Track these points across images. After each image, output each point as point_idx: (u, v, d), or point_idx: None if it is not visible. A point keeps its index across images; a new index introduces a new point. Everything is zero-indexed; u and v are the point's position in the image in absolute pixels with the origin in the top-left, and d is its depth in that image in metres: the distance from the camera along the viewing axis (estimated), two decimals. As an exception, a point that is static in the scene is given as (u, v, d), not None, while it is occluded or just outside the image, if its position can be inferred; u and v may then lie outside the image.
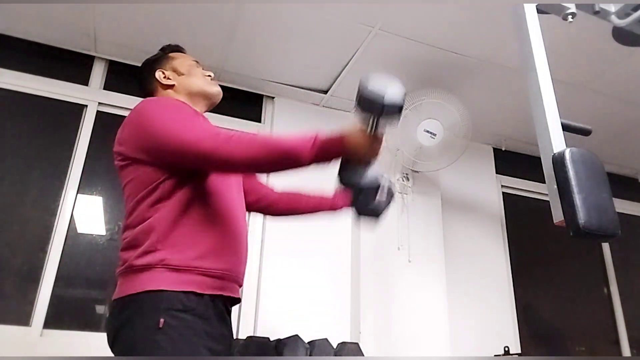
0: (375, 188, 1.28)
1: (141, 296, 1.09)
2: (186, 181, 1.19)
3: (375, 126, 1.12)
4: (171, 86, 1.42)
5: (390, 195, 1.34)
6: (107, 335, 1.15)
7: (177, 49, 1.52)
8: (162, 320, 1.05)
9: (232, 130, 1.15)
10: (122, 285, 1.16)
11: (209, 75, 1.48)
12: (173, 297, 1.08)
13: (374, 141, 1.15)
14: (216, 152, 1.09)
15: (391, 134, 2.65)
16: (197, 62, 1.50)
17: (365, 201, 1.31)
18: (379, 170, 1.27)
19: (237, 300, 1.26)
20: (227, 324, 1.22)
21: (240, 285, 1.27)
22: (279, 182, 1.56)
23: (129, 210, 1.22)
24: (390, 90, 1.09)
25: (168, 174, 1.18)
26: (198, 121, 1.20)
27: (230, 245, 1.23)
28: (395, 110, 1.10)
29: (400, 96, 1.10)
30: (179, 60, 1.47)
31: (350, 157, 1.18)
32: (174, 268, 1.12)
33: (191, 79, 1.43)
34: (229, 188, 1.31)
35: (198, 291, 1.12)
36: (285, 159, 1.10)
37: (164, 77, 1.42)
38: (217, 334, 1.14)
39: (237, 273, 1.24)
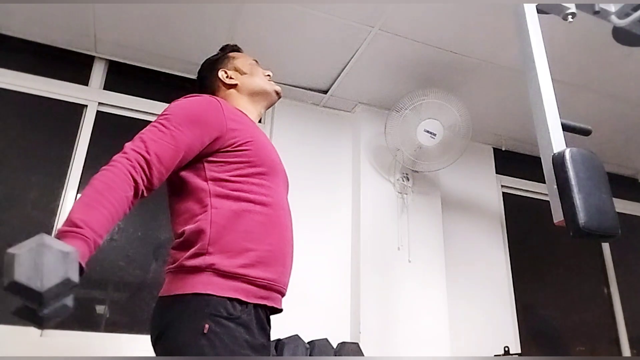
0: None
1: (188, 298, 1.10)
2: (237, 185, 1.20)
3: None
4: (234, 85, 1.44)
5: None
6: (152, 331, 1.16)
7: (236, 48, 1.55)
8: (207, 325, 1.06)
9: (142, 157, 1.11)
10: (171, 284, 1.16)
11: (269, 74, 1.50)
12: (218, 303, 1.09)
13: None
14: (105, 167, 1.08)
15: (391, 134, 2.65)
16: (256, 61, 1.52)
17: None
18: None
19: (279, 311, 1.26)
20: (268, 334, 1.22)
21: (283, 296, 1.27)
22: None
23: (178, 205, 1.23)
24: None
25: (215, 176, 1.20)
26: (173, 137, 1.16)
27: (279, 255, 1.23)
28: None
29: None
30: (241, 60, 1.49)
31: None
32: (222, 273, 1.12)
33: (253, 79, 1.46)
34: (281, 197, 1.31)
35: (243, 299, 1.12)
36: None
37: (227, 77, 1.45)
38: (257, 344, 1.13)
39: (282, 284, 1.24)
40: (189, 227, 1.17)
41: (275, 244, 1.22)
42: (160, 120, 1.19)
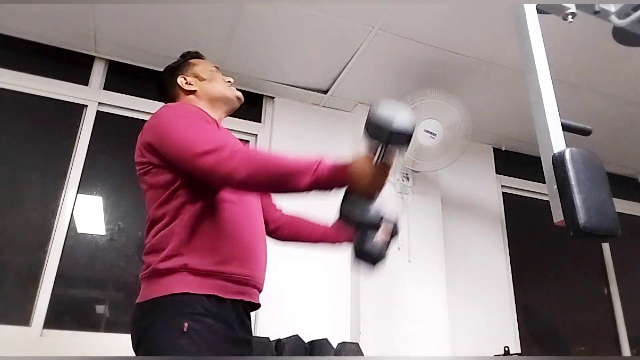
0: (376, 226, 1.17)
1: (165, 299, 1.11)
2: (206, 187, 1.20)
3: (383, 155, 1.05)
4: (193, 92, 1.44)
5: (394, 234, 1.26)
6: (132, 338, 1.16)
7: (198, 55, 1.55)
8: (186, 324, 1.07)
9: (238, 144, 1.14)
10: (147, 289, 1.17)
11: (229, 81, 1.50)
12: (196, 301, 1.10)
13: (381, 172, 1.07)
14: (218, 167, 1.08)
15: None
16: (217, 67, 1.52)
17: (362, 240, 1.17)
18: (384, 207, 1.16)
19: (257, 306, 1.27)
20: (248, 327, 1.23)
21: (260, 291, 1.29)
22: (287, 204, 1.55)
23: (150, 215, 1.24)
24: (399, 116, 1.01)
25: (186, 180, 1.20)
26: (210, 131, 1.20)
27: (250, 251, 1.24)
28: (404, 138, 1.02)
29: (409, 123, 1.02)
30: (200, 67, 1.49)
31: (354, 187, 1.10)
32: (196, 272, 1.13)
33: (212, 85, 1.46)
34: (247, 194, 1.32)
35: (220, 295, 1.14)
36: (285, 181, 1.06)
37: (186, 83, 1.45)
38: (239, 338, 1.15)
39: (257, 279, 1.25)
40: (160, 231, 1.19)
41: (246, 240, 1.24)
42: (186, 121, 1.20)
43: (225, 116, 1.48)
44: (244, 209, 1.27)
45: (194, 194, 1.20)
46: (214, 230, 1.19)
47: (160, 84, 1.51)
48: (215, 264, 1.15)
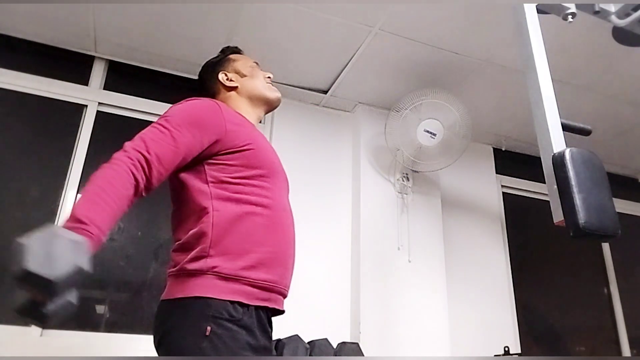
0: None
1: (190, 301, 1.10)
2: (238, 187, 1.20)
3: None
4: (234, 88, 1.45)
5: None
6: (154, 336, 1.16)
7: (237, 50, 1.56)
8: (209, 328, 1.06)
9: (143, 155, 1.11)
10: (173, 287, 1.16)
11: (269, 77, 1.51)
12: (220, 306, 1.09)
13: None
14: (110, 160, 1.09)
15: (391, 134, 2.65)
16: (256, 63, 1.52)
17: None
18: None
19: (280, 312, 1.26)
20: (269, 336, 1.22)
21: (285, 297, 1.27)
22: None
23: (181, 210, 1.24)
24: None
25: (218, 179, 1.20)
26: (167, 138, 1.15)
27: (280, 257, 1.23)
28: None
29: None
30: (241, 62, 1.49)
31: None
32: (223, 276, 1.12)
33: (254, 82, 1.46)
34: (282, 199, 1.31)
35: (245, 301, 1.13)
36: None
37: (227, 80, 1.45)
38: (259, 346, 1.14)
39: (283, 285, 1.24)
40: (190, 230, 1.18)
41: (277, 245, 1.22)
42: (160, 122, 1.19)
43: (265, 114, 1.50)
44: (276, 214, 1.25)
45: (225, 195, 1.19)
46: (245, 234, 1.17)
47: (200, 79, 1.51)
48: (243, 269, 1.14)
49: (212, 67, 1.49)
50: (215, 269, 1.12)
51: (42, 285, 0.81)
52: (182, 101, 1.29)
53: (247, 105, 1.43)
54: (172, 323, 1.11)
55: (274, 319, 1.27)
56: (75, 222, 0.94)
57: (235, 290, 1.12)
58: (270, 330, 1.23)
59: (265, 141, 1.36)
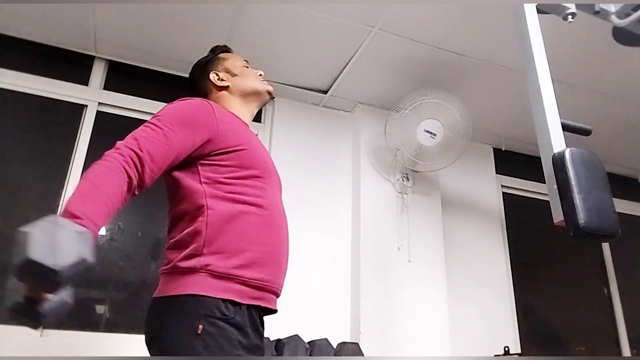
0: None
1: (182, 298, 1.10)
2: (233, 187, 1.21)
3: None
4: (226, 87, 1.45)
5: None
6: (145, 333, 1.16)
7: (227, 49, 1.55)
8: (200, 326, 1.06)
9: (135, 154, 1.11)
10: (165, 285, 1.17)
11: (261, 74, 1.50)
12: (212, 304, 1.09)
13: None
14: (102, 157, 1.10)
15: (391, 134, 2.65)
16: (246, 61, 1.52)
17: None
18: None
19: (273, 312, 1.26)
20: (261, 335, 1.22)
21: (278, 296, 1.27)
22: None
23: (174, 211, 1.24)
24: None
25: (213, 178, 1.20)
26: (159, 137, 1.16)
27: (274, 256, 1.23)
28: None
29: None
30: (231, 61, 1.49)
31: None
32: (216, 274, 1.13)
33: (245, 80, 1.46)
34: (276, 198, 1.32)
35: (237, 300, 1.13)
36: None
37: (218, 79, 1.45)
38: (251, 345, 1.14)
39: (276, 284, 1.24)
40: (185, 229, 1.18)
41: (270, 244, 1.23)
42: (152, 121, 1.20)
43: (257, 109, 1.49)
44: (269, 214, 1.25)
45: (219, 195, 1.19)
46: (239, 233, 1.17)
47: (191, 79, 1.51)
48: (235, 268, 1.14)
49: (203, 67, 1.49)
50: (208, 267, 1.12)
51: (46, 275, 0.78)
52: (174, 101, 1.29)
53: (239, 103, 1.43)
54: (164, 321, 1.11)
55: (272, 318, 1.27)
56: (70, 217, 0.94)
57: (227, 288, 1.12)
58: (262, 329, 1.23)
59: (258, 142, 1.36)
